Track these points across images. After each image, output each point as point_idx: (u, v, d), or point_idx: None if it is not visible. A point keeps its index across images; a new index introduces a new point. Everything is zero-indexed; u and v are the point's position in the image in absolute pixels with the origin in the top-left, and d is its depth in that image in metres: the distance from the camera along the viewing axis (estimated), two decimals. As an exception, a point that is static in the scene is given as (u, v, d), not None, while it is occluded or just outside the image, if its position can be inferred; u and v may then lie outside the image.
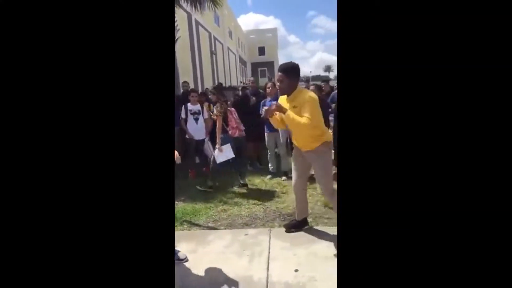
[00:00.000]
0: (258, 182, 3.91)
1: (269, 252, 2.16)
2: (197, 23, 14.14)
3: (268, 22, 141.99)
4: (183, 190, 3.57)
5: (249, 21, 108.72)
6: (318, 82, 6.21)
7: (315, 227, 2.56)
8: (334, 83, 8.00)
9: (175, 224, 2.67)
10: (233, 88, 10.45)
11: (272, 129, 4.02)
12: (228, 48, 22.68)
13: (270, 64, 32.57)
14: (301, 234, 2.42)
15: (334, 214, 2.81)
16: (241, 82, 24.86)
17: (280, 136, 4.01)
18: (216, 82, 15.34)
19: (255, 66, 32.24)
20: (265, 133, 4.10)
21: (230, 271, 1.94)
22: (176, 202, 3.15)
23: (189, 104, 4.11)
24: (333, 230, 2.41)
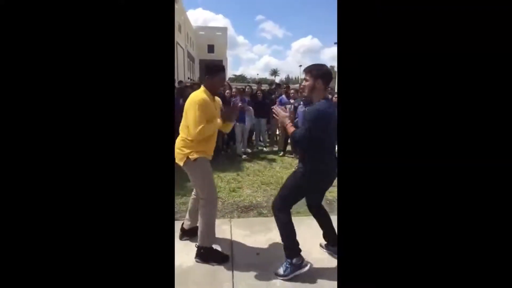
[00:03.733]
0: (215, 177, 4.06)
1: (231, 239, 2.36)
2: (146, 13, 13.50)
3: (217, 20, 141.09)
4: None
5: (198, 17, 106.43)
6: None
7: (269, 218, 2.83)
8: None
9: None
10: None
11: (240, 120, 5.12)
12: (177, 43, 22.02)
13: (218, 63, 32.42)
14: (258, 224, 2.67)
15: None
16: (188, 78, 24.33)
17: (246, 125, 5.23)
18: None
19: (203, 63, 31.78)
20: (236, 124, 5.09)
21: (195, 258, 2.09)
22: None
23: None
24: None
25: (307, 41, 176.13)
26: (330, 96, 2.05)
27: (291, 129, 1.85)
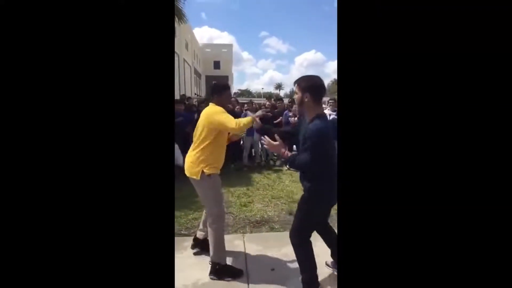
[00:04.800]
0: (225, 191, 4.07)
1: (245, 254, 2.35)
2: (155, 32, 13.87)
3: (222, 37, 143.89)
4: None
5: (203, 34, 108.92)
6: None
7: (282, 232, 2.82)
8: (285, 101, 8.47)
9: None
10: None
11: (249, 133, 5.34)
12: (184, 60, 22.52)
13: (224, 78, 33.02)
14: (271, 239, 2.66)
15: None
16: (195, 94, 24.71)
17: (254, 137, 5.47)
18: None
19: (209, 79, 32.36)
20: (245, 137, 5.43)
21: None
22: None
23: None
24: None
25: (311, 55, 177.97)
26: (326, 111, 1.85)
27: (287, 155, 1.69)
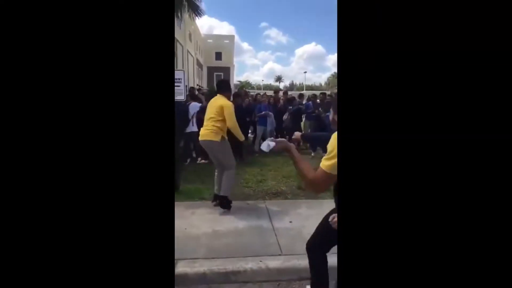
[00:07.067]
0: (241, 172, 4.78)
1: (268, 213, 3.08)
2: (163, 24, 14.30)
3: (222, 27, 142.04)
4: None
5: (203, 24, 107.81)
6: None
7: (295, 200, 3.54)
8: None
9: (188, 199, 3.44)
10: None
11: (261, 123, 6.53)
12: (188, 51, 22.97)
13: (226, 70, 33.45)
14: (288, 204, 3.37)
15: (307, 192, 3.83)
16: (197, 85, 25.23)
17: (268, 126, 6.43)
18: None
19: (211, 70, 32.79)
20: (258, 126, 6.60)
21: (245, 223, 2.80)
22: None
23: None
24: (306, 202, 3.46)
25: (311, 48, 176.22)
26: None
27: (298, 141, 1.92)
